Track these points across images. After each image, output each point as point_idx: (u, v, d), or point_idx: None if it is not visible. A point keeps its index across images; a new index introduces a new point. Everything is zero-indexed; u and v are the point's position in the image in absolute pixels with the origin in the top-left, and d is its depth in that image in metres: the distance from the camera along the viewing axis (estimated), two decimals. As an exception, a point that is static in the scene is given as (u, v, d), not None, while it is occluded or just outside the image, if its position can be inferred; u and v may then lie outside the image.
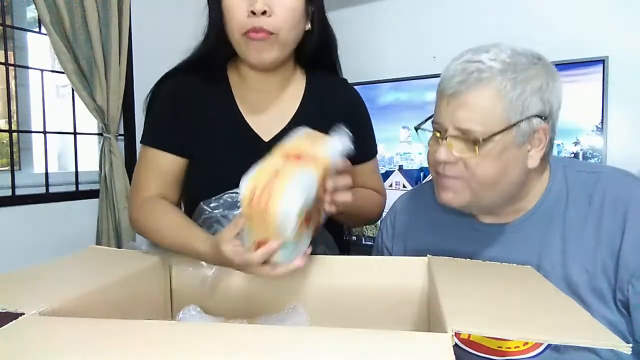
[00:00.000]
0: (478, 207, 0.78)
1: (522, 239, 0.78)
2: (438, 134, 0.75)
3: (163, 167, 0.90)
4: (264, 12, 0.79)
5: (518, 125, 0.69)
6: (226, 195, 0.80)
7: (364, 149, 0.99)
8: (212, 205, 0.80)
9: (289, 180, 0.58)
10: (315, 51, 0.92)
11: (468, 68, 0.70)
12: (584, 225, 0.73)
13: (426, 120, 0.79)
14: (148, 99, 0.97)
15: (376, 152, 1.04)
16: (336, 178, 0.69)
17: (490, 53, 0.70)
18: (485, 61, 0.69)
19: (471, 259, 0.78)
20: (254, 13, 0.79)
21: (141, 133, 0.94)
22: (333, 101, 0.96)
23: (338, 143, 0.67)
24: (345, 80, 1.02)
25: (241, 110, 0.92)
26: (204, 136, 0.91)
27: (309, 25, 0.88)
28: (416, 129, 0.81)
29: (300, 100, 0.94)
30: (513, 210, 0.79)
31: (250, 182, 0.59)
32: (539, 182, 0.79)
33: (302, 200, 0.58)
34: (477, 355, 0.70)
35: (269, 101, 0.93)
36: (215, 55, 0.91)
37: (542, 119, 0.71)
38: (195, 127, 0.90)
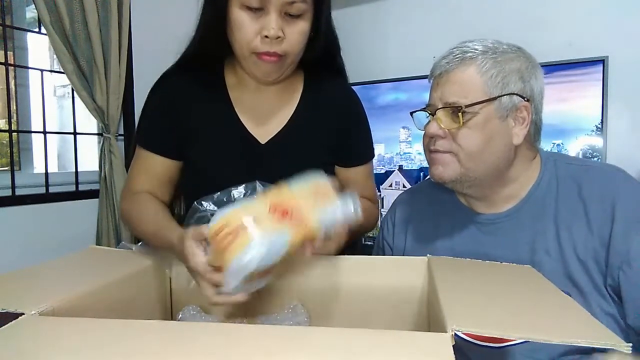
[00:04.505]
0: (469, 182, 0.79)
1: (517, 227, 0.79)
2: (429, 113, 0.80)
3: (154, 168, 0.91)
4: (277, 37, 0.78)
5: (499, 100, 0.75)
6: (220, 194, 0.79)
7: (359, 151, 0.99)
8: (204, 203, 0.80)
9: (257, 239, 0.55)
10: (318, 55, 0.91)
11: (454, 52, 0.78)
12: (575, 215, 0.75)
13: (423, 108, 0.83)
14: (146, 99, 0.97)
15: (372, 156, 1.02)
16: (322, 243, 0.64)
17: (475, 41, 0.79)
18: (469, 45, 0.78)
19: (468, 248, 0.80)
20: (267, 37, 0.77)
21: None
22: (330, 103, 0.95)
23: (340, 210, 0.63)
24: (344, 81, 1.00)
25: (237, 112, 0.91)
26: (200, 137, 0.90)
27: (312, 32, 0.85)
28: (411, 113, 0.86)
29: (297, 102, 0.93)
30: (505, 197, 0.81)
31: (222, 220, 0.56)
32: (529, 169, 0.81)
33: (257, 263, 0.55)
34: (477, 344, 0.71)
35: (266, 103, 0.92)
36: (213, 56, 0.90)
37: (523, 98, 0.76)
38: (191, 128, 0.90)
